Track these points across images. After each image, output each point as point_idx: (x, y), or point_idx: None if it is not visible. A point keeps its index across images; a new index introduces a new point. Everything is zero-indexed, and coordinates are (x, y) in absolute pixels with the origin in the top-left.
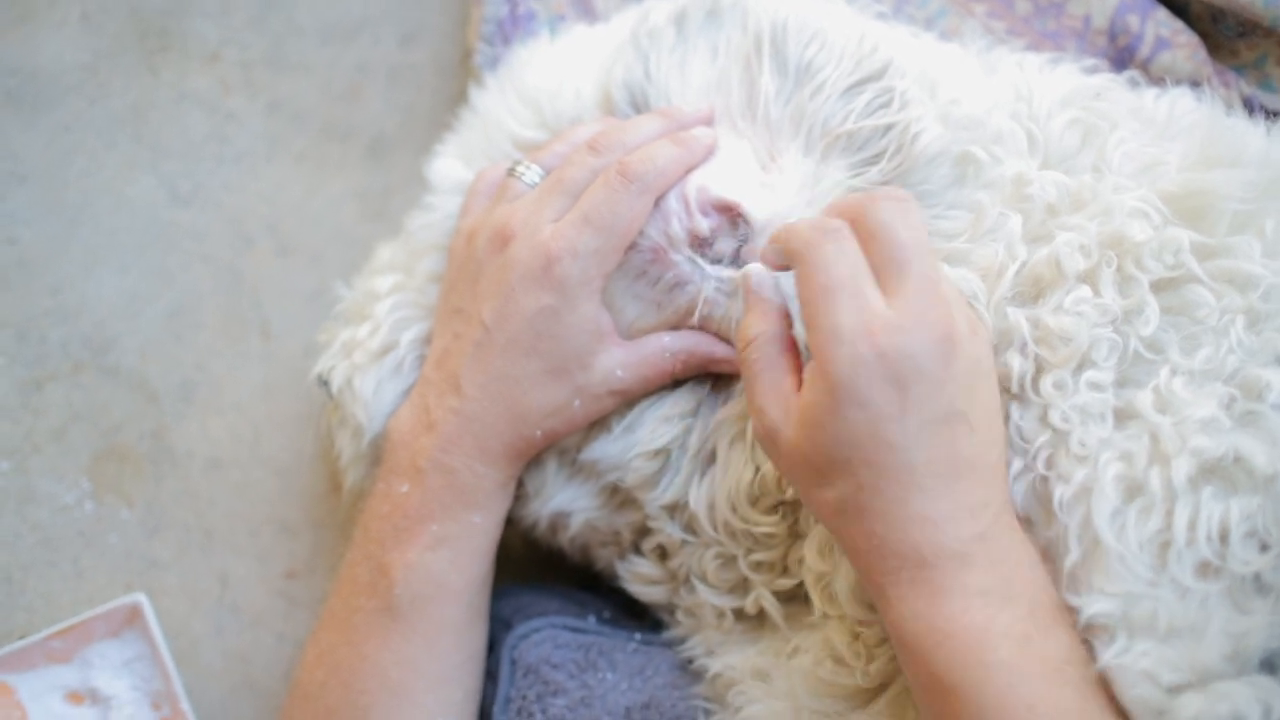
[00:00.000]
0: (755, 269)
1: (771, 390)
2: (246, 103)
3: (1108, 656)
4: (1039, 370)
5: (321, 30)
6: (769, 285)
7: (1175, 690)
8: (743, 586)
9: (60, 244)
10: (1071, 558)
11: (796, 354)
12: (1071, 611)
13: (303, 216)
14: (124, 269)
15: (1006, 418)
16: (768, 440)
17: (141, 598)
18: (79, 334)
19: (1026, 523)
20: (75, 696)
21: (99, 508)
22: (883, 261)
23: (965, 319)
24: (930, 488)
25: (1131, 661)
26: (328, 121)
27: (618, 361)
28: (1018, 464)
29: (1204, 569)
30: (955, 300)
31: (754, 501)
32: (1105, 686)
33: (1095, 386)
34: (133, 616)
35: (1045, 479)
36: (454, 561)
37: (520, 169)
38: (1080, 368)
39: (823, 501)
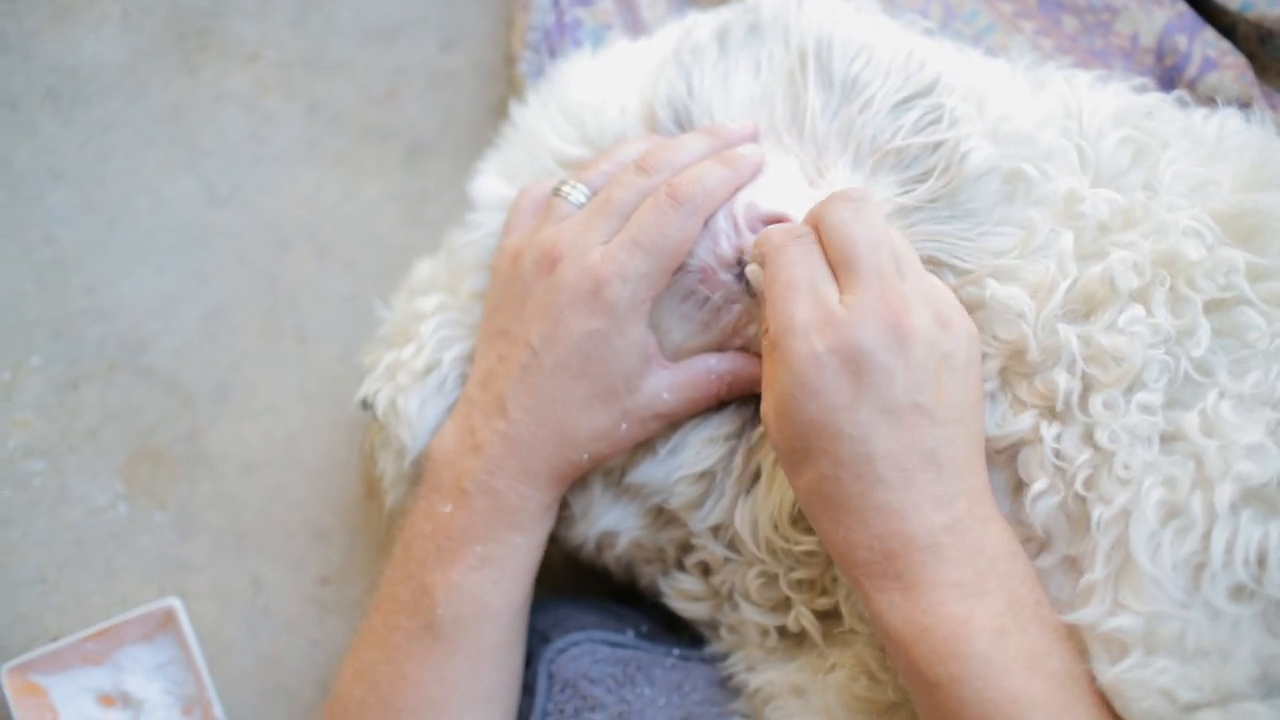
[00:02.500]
0: (752, 270)
1: (765, 385)
2: (285, 103)
3: (1118, 669)
4: (1087, 388)
5: (361, 32)
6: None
7: (1191, 708)
8: (784, 605)
9: (97, 243)
10: (1095, 574)
11: None
12: (1055, 607)
13: (340, 219)
14: (160, 269)
15: (1040, 438)
16: (767, 433)
17: (176, 602)
18: (114, 334)
19: (1045, 540)
20: (107, 699)
21: (132, 509)
22: (838, 260)
23: (933, 313)
24: (891, 479)
25: (1148, 677)
26: (366, 124)
27: (664, 384)
28: (1044, 482)
29: (1238, 592)
30: (918, 294)
31: (795, 520)
32: (1091, 684)
33: (1146, 409)
34: (166, 621)
35: (1081, 499)
36: (497, 583)
37: (566, 188)
38: (1131, 388)
39: (798, 490)
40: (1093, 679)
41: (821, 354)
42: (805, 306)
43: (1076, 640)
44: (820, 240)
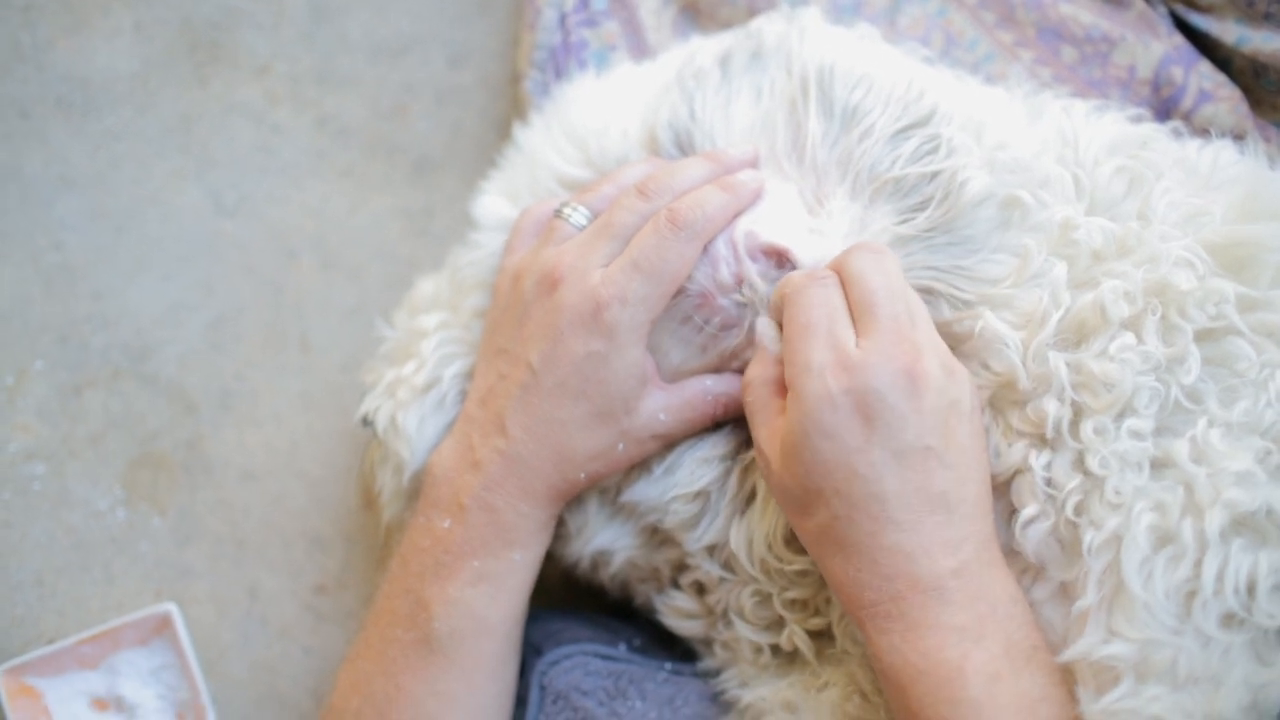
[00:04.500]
0: (762, 322)
1: (764, 427)
2: (294, 116)
3: (1109, 699)
4: (1078, 415)
5: (371, 48)
6: (770, 336)
7: None
8: (778, 624)
9: (105, 251)
10: (1087, 600)
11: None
12: (1051, 650)
13: (346, 232)
14: (167, 277)
15: (1029, 467)
16: (766, 474)
17: (172, 607)
18: (120, 341)
19: (1038, 568)
20: (101, 703)
21: (132, 515)
22: (857, 306)
23: (941, 362)
24: (902, 521)
25: (1139, 705)
26: (374, 138)
27: (661, 406)
28: (1034, 508)
29: (1229, 620)
30: (929, 344)
31: (789, 540)
32: None
33: (1136, 434)
34: (162, 626)
35: (1073, 524)
36: (493, 598)
37: (567, 210)
38: (1122, 415)
39: (805, 531)
40: None
41: (836, 395)
42: (821, 348)
43: (1068, 671)
44: (842, 285)
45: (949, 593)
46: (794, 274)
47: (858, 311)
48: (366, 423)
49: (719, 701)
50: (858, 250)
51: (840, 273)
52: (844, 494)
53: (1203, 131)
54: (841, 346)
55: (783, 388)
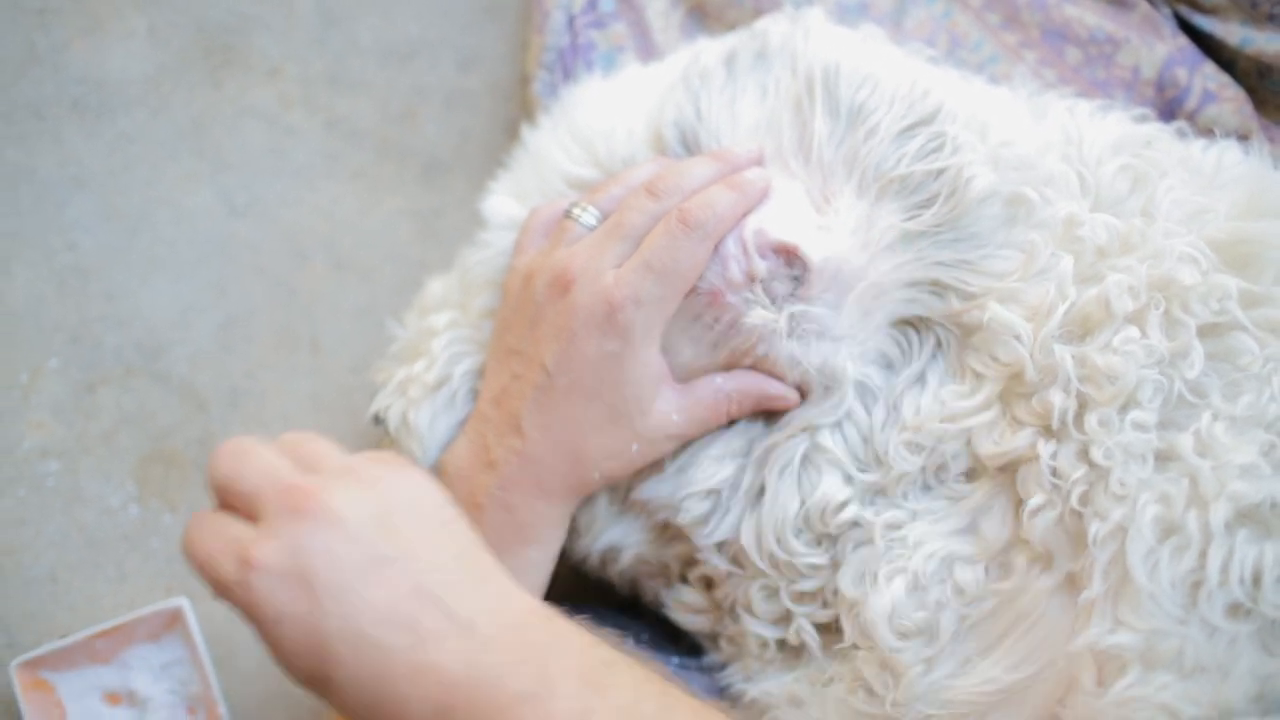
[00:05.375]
0: (769, 317)
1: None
2: (305, 119)
3: (1120, 687)
4: (1082, 407)
5: (381, 51)
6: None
7: None
8: (786, 618)
9: (118, 251)
10: (1093, 590)
11: None
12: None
13: (357, 234)
14: (179, 278)
15: (1037, 455)
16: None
17: (184, 602)
18: (132, 340)
19: (1046, 558)
20: (113, 697)
21: (144, 511)
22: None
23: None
24: (389, 642)
25: (1150, 693)
26: (384, 141)
27: (674, 406)
28: (1040, 498)
29: (1235, 610)
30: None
31: (798, 533)
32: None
33: (1139, 426)
34: (174, 620)
35: (1078, 514)
36: None
37: (577, 211)
38: (1125, 407)
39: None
40: None
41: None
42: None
43: (1070, 666)
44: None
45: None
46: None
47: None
48: (378, 421)
49: (726, 695)
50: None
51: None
52: (343, 658)
53: (1207, 132)
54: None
55: None
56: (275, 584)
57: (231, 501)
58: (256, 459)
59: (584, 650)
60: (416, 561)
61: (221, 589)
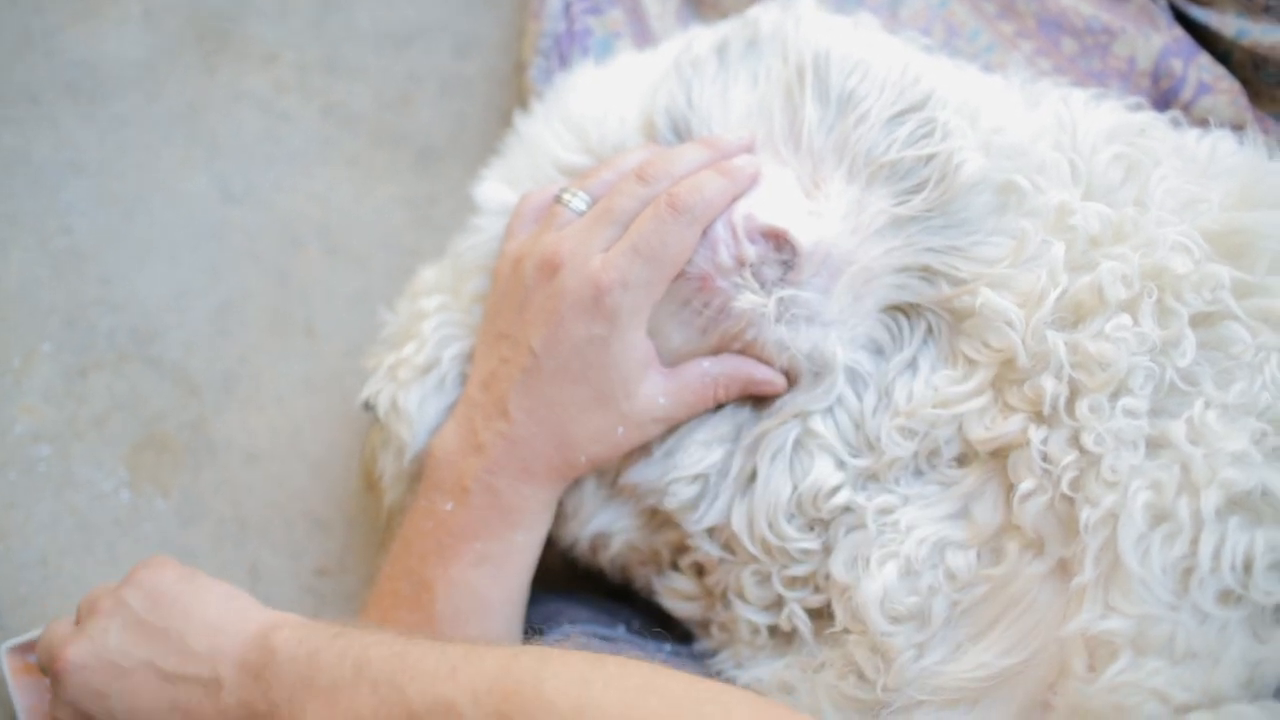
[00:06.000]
0: (746, 297)
1: None
2: (301, 105)
3: (1111, 672)
4: (1073, 393)
5: (377, 37)
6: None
7: (1183, 709)
8: (777, 603)
9: (113, 235)
10: (1085, 576)
11: None
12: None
13: (351, 219)
14: (174, 263)
15: (1027, 441)
16: None
17: None
18: (126, 324)
19: (1038, 544)
20: None
21: (135, 496)
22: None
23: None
24: None
25: (1141, 678)
26: (379, 127)
27: (660, 390)
28: (1031, 483)
29: (1226, 596)
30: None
31: (790, 518)
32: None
33: (1130, 413)
34: None
35: (1069, 500)
36: (495, 578)
37: (567, 196)
38: (1117, 394)
39: None
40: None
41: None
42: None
43: (1062, 652)
44: None
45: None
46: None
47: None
48: (368, 407)
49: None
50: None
51: None
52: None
53: (1202, 123)
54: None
55: None
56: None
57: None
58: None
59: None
60: (157, 649)
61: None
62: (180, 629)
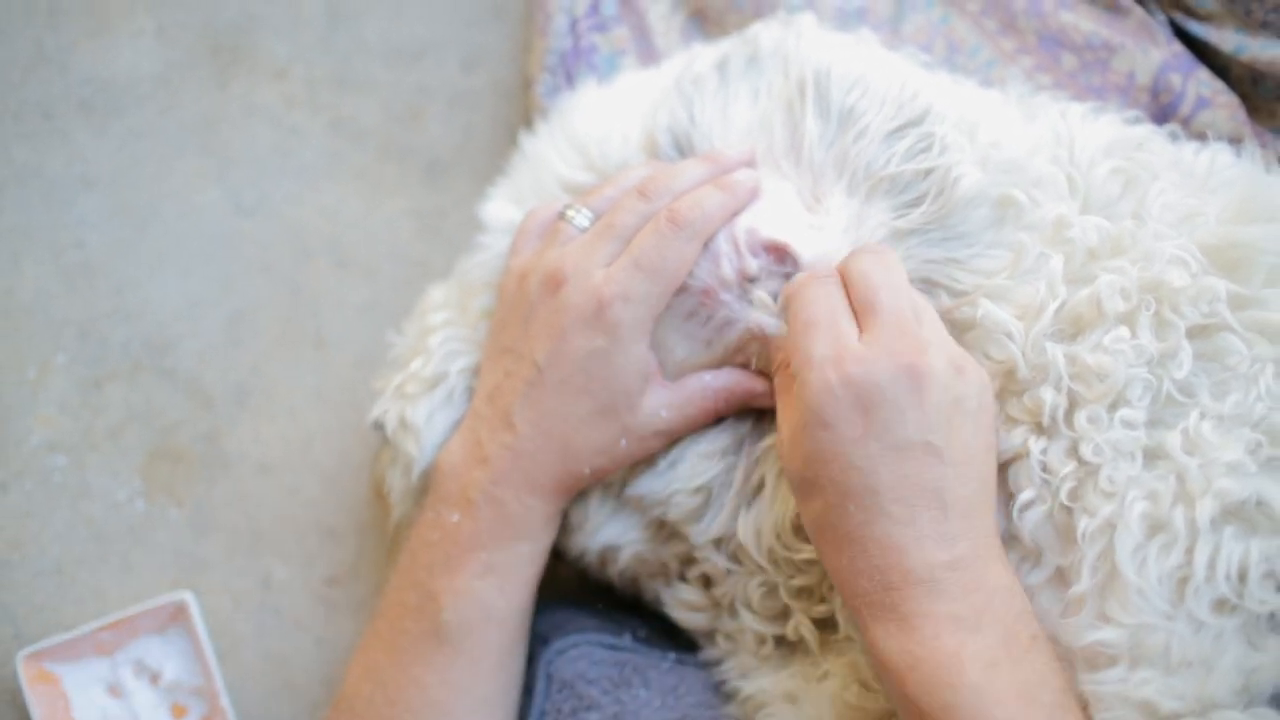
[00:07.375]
0: (771, 322)
1: (779, 415)
2: (311, 119)
3: (1098, 680)
4: (1072, 405)
5: (386, 52)
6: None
7: (1172, 718)
8: (784, 614)
9: (126, 248)
10: (1081, 585)
11: None
12: (1053, 640)
13: (360, 232)
14: (186, 275)
15: (1028, 452)
16: (780, 459)
17: (187, 595)
18: (140, 336)
19: (1036, 553)
20: (117, 689)
21: (150, 506)
22: (859, 303)
23: (948, 358)
24: (895, 513)
25: (1129, 690)
26: (388, 141)
27: (662, 402)
28: (1030, 493)
29: (1221, 605)
30: (935, 340)
31: (797, 529)
32: (1082, 716)
33: (1128, 424)
34: (178, 614)
35: (1067, 510)
36: (501, 589)
37: (571, 212)
38: (1114, 405)
39: (806, 518)
40: (1083, 710)
41: (836, 387)
42: (824, 342)
43: (1062, 653)
44: (844, 286)
45: (942, 584)
46: (799, 275)
47: (860, 308)
48: (378, 426)
49: (722, 691)
50: (859, 252)
51: (844, 274)
52: (839, 483)
53: (1200, 137)
54: (843, 340)
55: None
56: (846, 393)
57: (851, 285)
58: (895, 273)
59: (1020, 617)
60: (951, 468)
61: (800, 356)
62: None
